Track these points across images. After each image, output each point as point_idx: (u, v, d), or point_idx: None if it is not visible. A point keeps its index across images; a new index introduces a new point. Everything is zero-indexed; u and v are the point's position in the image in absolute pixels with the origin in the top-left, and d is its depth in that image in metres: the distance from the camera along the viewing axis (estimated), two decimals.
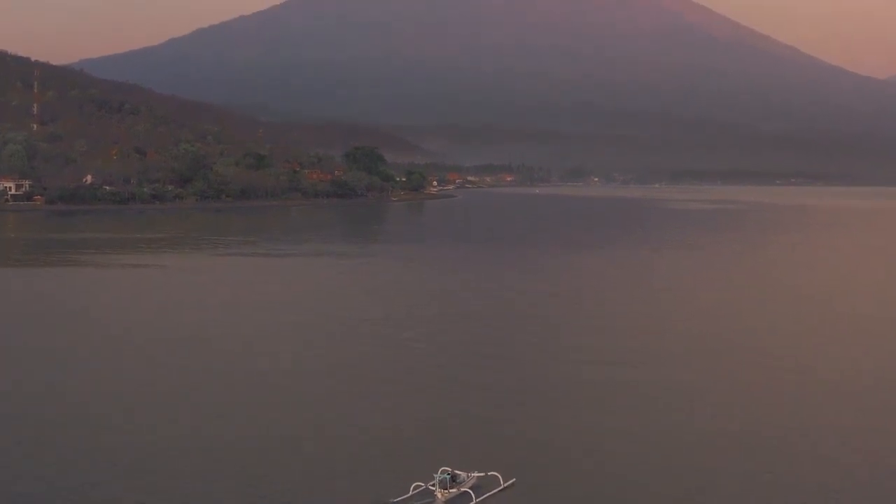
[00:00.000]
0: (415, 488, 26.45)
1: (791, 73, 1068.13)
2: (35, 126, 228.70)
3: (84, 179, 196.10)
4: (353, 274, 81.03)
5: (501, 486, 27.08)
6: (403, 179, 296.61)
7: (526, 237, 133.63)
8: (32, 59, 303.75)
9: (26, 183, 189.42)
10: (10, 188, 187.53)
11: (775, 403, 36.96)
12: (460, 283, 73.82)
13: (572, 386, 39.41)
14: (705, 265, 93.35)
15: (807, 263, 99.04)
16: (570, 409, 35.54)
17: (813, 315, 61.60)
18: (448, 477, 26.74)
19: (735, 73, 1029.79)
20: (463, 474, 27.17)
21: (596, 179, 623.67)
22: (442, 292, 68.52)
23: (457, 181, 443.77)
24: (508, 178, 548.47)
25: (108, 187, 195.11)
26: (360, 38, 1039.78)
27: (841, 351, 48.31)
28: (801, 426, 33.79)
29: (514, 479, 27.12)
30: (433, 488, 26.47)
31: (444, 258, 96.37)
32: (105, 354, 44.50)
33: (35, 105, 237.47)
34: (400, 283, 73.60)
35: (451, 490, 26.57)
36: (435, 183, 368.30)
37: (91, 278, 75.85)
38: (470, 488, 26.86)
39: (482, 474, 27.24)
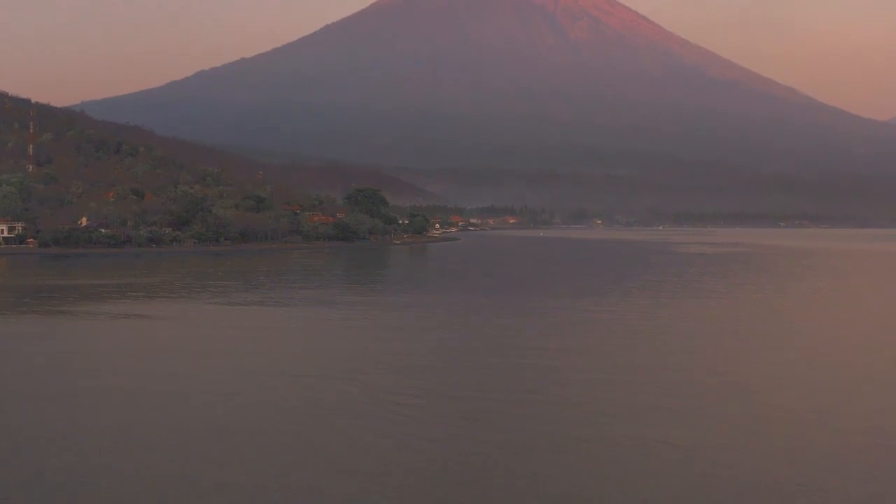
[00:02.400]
0: None
1: (792, 115, 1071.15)
2: (30, 167, 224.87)
3: (79, 222, 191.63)
4: (352, 323, 75.52)
5: None
6: (406, 222, 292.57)
7: (535, 283, 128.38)
8: (33, 100, 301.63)
9: (19, 225, 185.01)
10: (2, 231, 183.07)
11: (794, 463, 34.19)
12: (466, 334, 68.44)
13: (589, 447, 34.75)
14: (723, 313, 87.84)
15: (830, 311, 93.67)
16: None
17: (836, 366, 56.76)
18: None
19: (735, 114, 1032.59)
20: None
21: (599, 221, 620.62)
22: (447, 344, 63.19)
23: (460, 223, 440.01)
24: (511, 221, 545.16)
25: (103, 230, 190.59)
26: (362, 81, 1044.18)
27: (863, 401, 45.22)
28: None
29: None
30: None
31: (451, 306, 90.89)
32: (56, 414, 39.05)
33: (30, 146, 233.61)
34: (403, 335, 68.13)
35: None
36: (437, 226, 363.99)
37: (68, 329, 70.37)
38: None
39: None
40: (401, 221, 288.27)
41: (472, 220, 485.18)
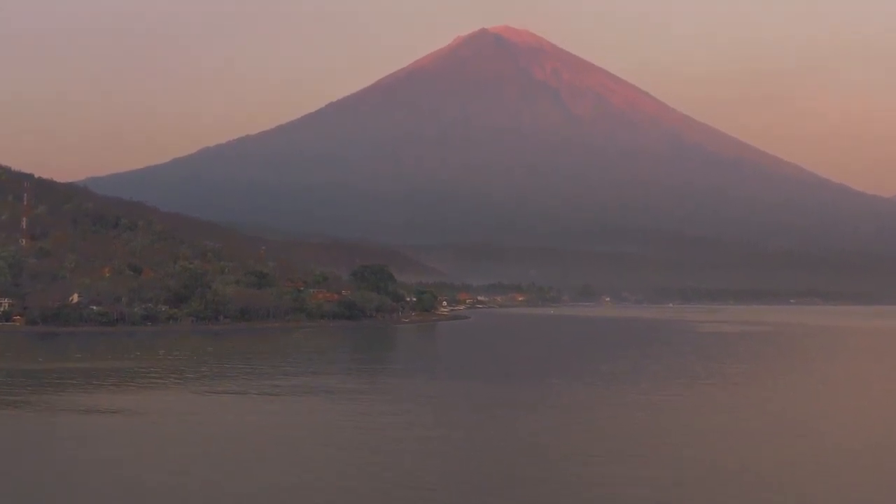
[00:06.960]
0: None
1: (796, 192, 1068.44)
2: (24, 241, 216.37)
3: (70, 298, 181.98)
4: (350, 420, 65.55)
5: None
6: (413, 300, 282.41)
7: (555, 369, 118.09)
8: (36, 175, 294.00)
9: (6, 301, 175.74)
10: None
11: None
12: (484, 436, 58.67)
13: None
14: (768, 403, 78.15)
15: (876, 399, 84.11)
16: None
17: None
18: None
19: (740, 191, 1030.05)
20: None
21: (608, 299, 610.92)
22: (459, 448, 53.47)
23: (468, 301, 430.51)
24: (520, 298, 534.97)
25: (95, 307, 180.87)
26: (364, 158, 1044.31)
27: None
28: None
29: None
30: None
31: (466, 397, 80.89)
32: None
33: (24, 219, 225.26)
34: (409, 434, 58.23)
35: None
36: (445, 303, 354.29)
37: (25, 427, 60.57)
38: None
39: None
40: (408, 299, 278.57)
41: (479, 298, 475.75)
